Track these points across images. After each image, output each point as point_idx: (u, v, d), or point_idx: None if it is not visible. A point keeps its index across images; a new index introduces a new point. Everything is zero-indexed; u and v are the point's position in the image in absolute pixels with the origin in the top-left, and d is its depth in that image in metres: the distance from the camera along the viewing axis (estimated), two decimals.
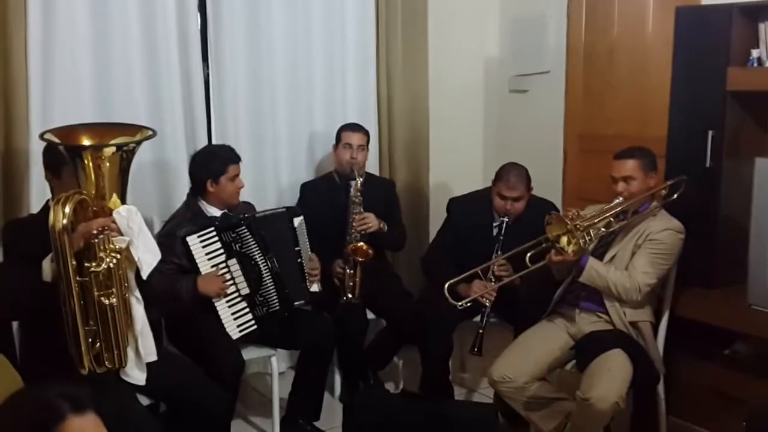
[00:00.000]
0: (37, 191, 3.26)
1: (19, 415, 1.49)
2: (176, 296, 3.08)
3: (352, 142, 3.84)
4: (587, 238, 2.98)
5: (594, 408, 2.85)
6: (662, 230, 3.11)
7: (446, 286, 3.25)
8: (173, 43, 3.68)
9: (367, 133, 3.95)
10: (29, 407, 1.50)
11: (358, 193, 3.68)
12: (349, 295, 3.64)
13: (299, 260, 3.46)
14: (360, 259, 3.61)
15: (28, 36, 3.29)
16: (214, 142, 3.92)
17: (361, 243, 3.61)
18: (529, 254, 3.14)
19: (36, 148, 3.13)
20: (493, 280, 3.44)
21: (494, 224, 3.61)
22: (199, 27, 3.80)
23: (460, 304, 3.23)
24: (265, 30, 3.97)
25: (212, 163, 3.30)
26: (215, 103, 3.91)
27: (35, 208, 3.13)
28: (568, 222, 2.94)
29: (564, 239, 2.99)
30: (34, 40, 3.31)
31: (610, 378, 2.90)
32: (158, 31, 3.64)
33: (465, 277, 3.40)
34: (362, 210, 3.67)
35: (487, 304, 3.38)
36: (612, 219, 3.13)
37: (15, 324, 2.83)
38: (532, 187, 3.64)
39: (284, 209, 3.54)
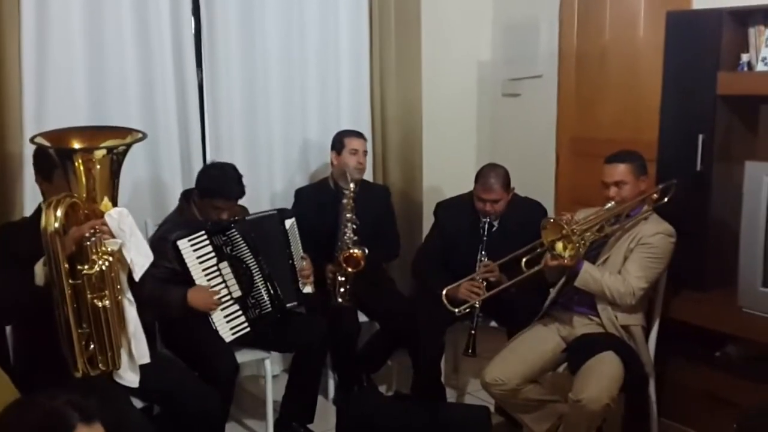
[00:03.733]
0: (31, 194, 3.25)
1: (27, 423, 1.49)
2: (166, 305, 3.09)
3: (357, 148, 3.87)
4: (582, 243, 2.99)
5: (586, 409, 2.87)
6: (654, 234, 3.13)
7: (443, 293, 3.26)
8: (167, 47, 3.69)
9: (366, 139, 3.98)
10: (38, 415, 1.50)
11: (351, 201, 3.68)
12: (339, 300, 3.64)
13: (291, 262, 3.47)
14: (352, 270, 3.60)
15: (22, 39, 3.29)
16: (208, 146, 3.94)
17: (353, 250, 3.59)
18: (524, 259, 3.15)
19: (30, 152, 3.11)
20: (481, 282, 3.46)
21: (480, 226, 3.62)
22: (193, 31, 3.81)
23: (457, 310, 3.24)
24: (259, 34, 3.98)
25: (214, 185, 3.28)
26: (209, 107, 3.91)
27: (29, 211, 3.13)
28: (565, 227, 2.95)
29: (560, 244, 3.00)
30: (28, 43, 3.31)
31: (602, 380, 2.92)
32: (152, 35, 3.65)
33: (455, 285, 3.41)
34: (354, 217, 3.67)
35: (477, 305, 3.39)
36: (604, 223, 3.14)
37: (8, 326, 2.83)
38: (513, 188, 3.66)
39: (275, 211, 3.56)
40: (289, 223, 3.49)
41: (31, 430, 1.49)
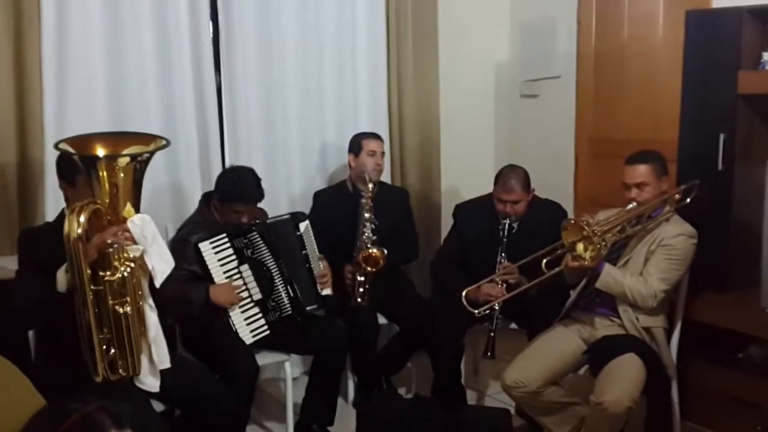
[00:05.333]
0: (52, 200, 3.29)
1: (61, 428, 1.50)
2: (188, 303, 3.10)
3: (375, 150, 3.88)
4: (603, 244, 2.97)
5: (607, 412, 2.85)
6: (676, 235, 3.10)
7: (462, 294, 3.25)
8: (186, 51, 3.71)
9: (383, 141, 3.99)
10: (72, 420, 1.51)
11: (369, 201, 3.68)
12: (358, 300, 3.64)
13: (309, 265, 3.48)
14: (371, 269, 3.60)
15: (42, 46, 3.33)
16: (226, 150, 3.95)
17: (372, 250, 3.59)
18: (545, 260, 3.14)
19: (50, 158, 3.16)
20: (500, 284, 3.45)
21: (500, 228, 3.61)
22: (211, 36, 3.83)
23: (477, 312, 3.23)
24: (277, 38, 4.00)
25: (233, 190, 3.30)
26: (228, 111, 3.93)
27: (50, 217, 3.15)
28: (586, 228, 2.93)
29: (580, 246, 2.98)
30: (48, 50, 3.35)
31: (624, 382, 2.90)
32: (171, 40, 3.67)
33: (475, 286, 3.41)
34: (373, 217, 3.67)
35: (496, 306, 3.38)
36: (626, 224, 3.12)
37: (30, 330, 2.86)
38: (533, 189, 3.65)
39: (289, 215, 3.56)
40: (303, 226, 3.49)
41: None
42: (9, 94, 3.29)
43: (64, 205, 2.71)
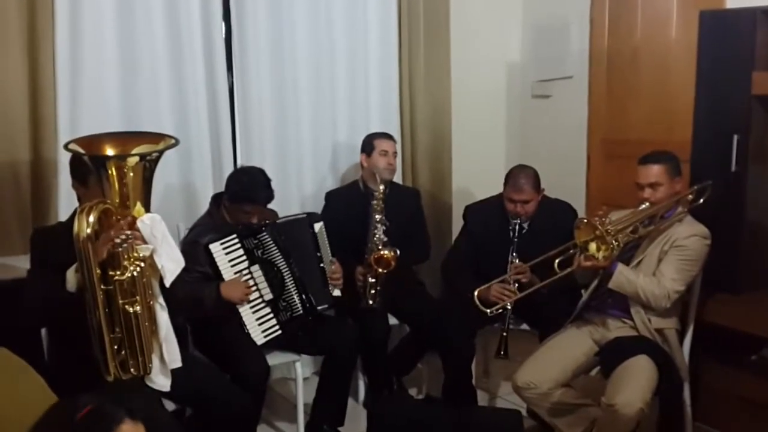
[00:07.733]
0: (65, 200, 3.30)
1: (76, 417, 1.52)
2: (199, 303, 3.11)
3: (387, 149, 3.88)
4: (616, 244, 2.95)
5: (619, 414, 2.84)
6: (689, 236, 3.08)
7: (473, 294, 3.25)
8: (198, 52, 3.72)
9: (395, 141, 3.99)
10: (86, 410, 1.53)
11: (380, 202, 3.68)
12: (370, 302, 3.63)
13: (321, 265, 3.48)
14: (382, 270, 3.58)
15: (56, 47, 3.35)
16: (238, 149, 3.96)
17: (384, 251, 3.58)
18: (557, 260, 3.12)
19: (64, 158, 3.17)
20: (512, 284, 3.44)
21: (510, 228, 3.60)
22: (223, 36, 3.84)
23: (489, 311, 3.22)
24: (289, 39, 4.01)
25: (242, 190, 3.30)
26: (240, 111, 3.94)
27: (63, 216, 3.17)
28: (599, 227, 2.92)
29: (593, 245, 2.96)
30: (62, 50, 3.37)
31: (636, 384, 2.88)
32: (183, 40, 3.68)
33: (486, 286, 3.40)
34: (384, 218, 3.67)
35: (508, 306, 3.37)
36: (638, 224, 3.11)
37: (43, 329, 2.87)
38: (543, 188, 3.64)
39: (305, 215, 3.57)
40: (317, 226, 3.50)
41: (81, 422, 1.52)
42: (23, 93, 3.31)
43: (77, 204, 2.72)
